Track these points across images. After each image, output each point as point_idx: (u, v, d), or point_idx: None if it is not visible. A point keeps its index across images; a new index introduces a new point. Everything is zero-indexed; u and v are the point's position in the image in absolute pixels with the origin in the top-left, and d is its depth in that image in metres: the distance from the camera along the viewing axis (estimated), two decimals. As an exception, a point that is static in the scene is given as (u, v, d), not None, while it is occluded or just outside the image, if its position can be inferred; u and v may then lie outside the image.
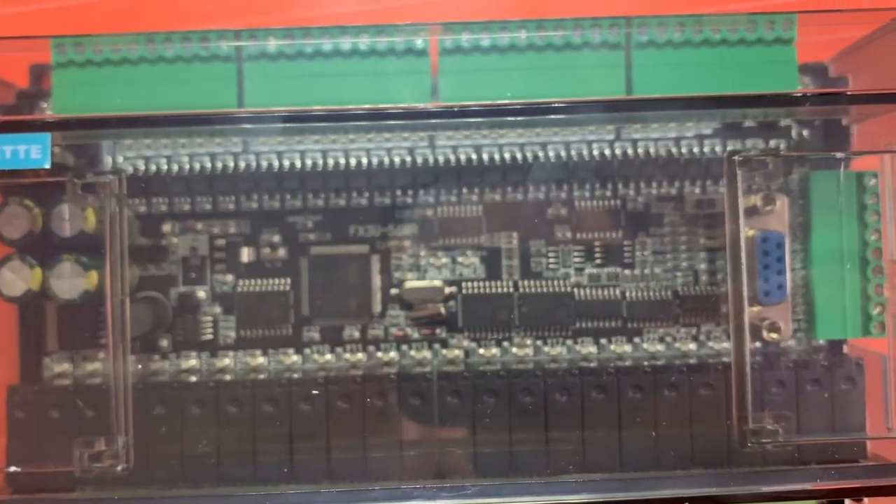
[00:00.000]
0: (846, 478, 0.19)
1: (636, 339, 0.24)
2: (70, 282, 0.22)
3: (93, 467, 0.20)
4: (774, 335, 0.23)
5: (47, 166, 0.20)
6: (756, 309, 0.23)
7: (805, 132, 0.24)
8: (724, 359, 0.23)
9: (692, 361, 0.23)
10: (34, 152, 0.19)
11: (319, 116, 0.21)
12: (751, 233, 0.22)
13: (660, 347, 0.24)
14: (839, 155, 0.22)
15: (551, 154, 0.24)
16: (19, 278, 0.22)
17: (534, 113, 0.22)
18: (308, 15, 0.26)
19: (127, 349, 0.20)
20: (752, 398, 0.20)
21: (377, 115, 0.21)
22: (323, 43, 0.22)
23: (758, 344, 0.23)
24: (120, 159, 0.24)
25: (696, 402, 0.22)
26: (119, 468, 0.20)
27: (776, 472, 0.19)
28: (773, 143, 0.24)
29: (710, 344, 0.24)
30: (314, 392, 0.21)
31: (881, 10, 0.21)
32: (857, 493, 0.21)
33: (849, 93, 0.22)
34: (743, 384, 0.20)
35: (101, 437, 0.20)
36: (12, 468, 0.21)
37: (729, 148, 0.24)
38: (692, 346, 0.24)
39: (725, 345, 0.24)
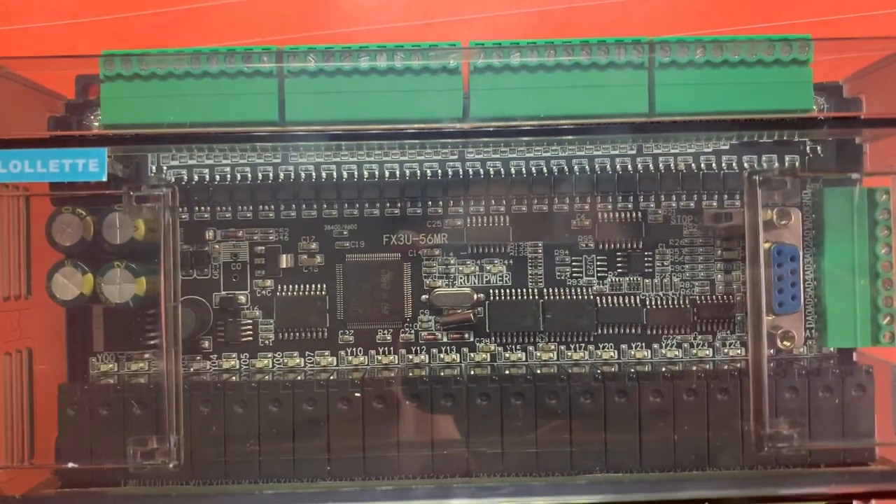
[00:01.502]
0: (858, 482, 0.20)
1: (655, 345, 0.25)
2: (120, 287, 0.23)
3: (145, 464, 0.21)
4: (788, 343, 0.24)
5: (104, 179, 0.21)
6: (770, 318, 0.24)
7: (819, 148, 0.25)
8: (739, 365, 0.24)
9: (708, 367, 0.24)
10: (92, 166, 0.20)
11: (358, 135, 0.22)
12: (766, 246, 0.23)
13: (677, 353, 0.25)
14: (854, 176, 0.23)
15: (576, 168, 0.25)
16: (71, 283, 0.23)
17: (561, 132, 0.23)
18: (341, 32, 0.27)
19: (179, 351, 0.21)
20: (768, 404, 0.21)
21: (416, 135, 0.22)
22: (360, 62, 0.23)
23: (771, 351, 0.24)
24: (164, 169, 0.25)
25: (713, 407, 0.23)
26: (171, 465, 0.21)
27: (793, 476, 0.20)
28: (787, 158, 0.25)
29: (725, 350, 0.25)
30: (356, 394, 0.23)
31: (891, 38, 0.22)
32: (866, 496, 0.22)
33: (862, 117, 0.23)
34: (760, 391, 0.21)
35: (154, 436, 0.21)
36: (70, 464, 0.22)
37: (745, 163, 0.25)
38: (708, 352, 0.25)
39: (739, 351, 0.25)
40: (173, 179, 0.25)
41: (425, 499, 0.20)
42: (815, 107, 0.25)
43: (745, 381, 0.23)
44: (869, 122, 0.23)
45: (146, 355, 0.24)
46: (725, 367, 0.24)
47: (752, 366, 0.21)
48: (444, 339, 0.25)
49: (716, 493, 0.20)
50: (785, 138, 0.25)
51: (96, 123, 0.25)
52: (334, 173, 0.25)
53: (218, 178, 0.25)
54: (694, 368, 0.23)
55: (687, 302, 0.25)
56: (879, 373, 0.24)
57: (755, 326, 0.21)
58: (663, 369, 0.24)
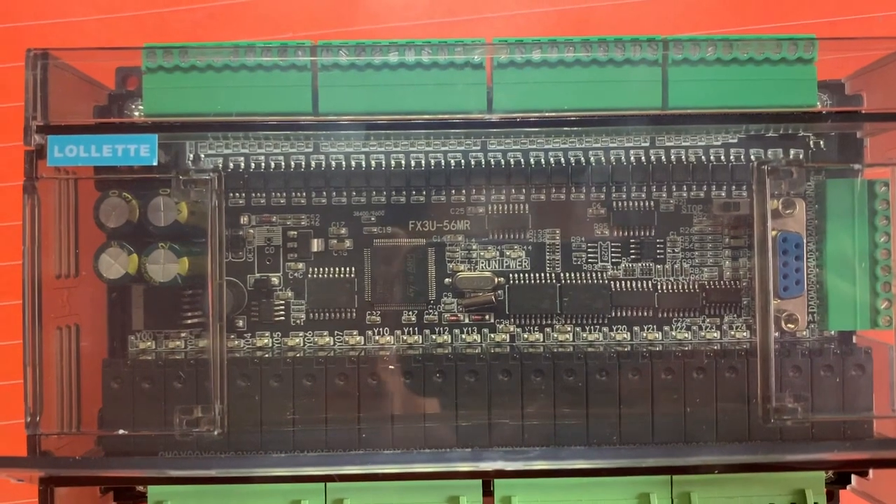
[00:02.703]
0: (859, 449, 0.21)
1: (665, 328, 0.26)
2: (164, 267, 0.24)
3: (191, 432, 0.22)
4: (792, 325, 0.25)
5: (154, 163, 0.22)
6: (776, 302, 0.25)
7: (822, 142, 0.26)
8: (745, 346, 0.25)
9: (716, 348, 0.25)
10: (143, 151, 0.22)
11: (389, 124, 0.24)
12: (772, 233, 0.25)
13: (687, 335, 0.26)
14: (856, 166, 0.25)
15: (592, 159, 0.26)
16: (117, 263, 0.24)
17: (578, 124, 0.24)
18: (370, 28, 0.29)
19: (224, 325, 0.23)
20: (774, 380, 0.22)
21: (440, 125, 0.23)
22: (390, 56, 0.24)
23: (776, 333, 0.26)
24: (201, 157, 0.26)
25: (721, 384, 0.24)
26: (215, 433, 0.22)
27: (798, 444, 0.22)
28: (792, 151, 0.26)
29: (732, 333, 0.26)
30: (391, 367, 0.24)
31: (890, 38, 0.24)
32: (866, 465, 0.23)
33: (863, 111, 0.24)
34: (767, 367, 0.22)
35: (199, 405, 0.22)
36: (120, 431, 0.23)
37: (752, 156, 0.26)
38: (716, 334, 0.26)
39: (745, 334, 0.26)
40: (211, 167, 0.26)
41: (460, 461, 0.21)
42: (818, 103, 0.26)
43: (752, 360, 0.24)
44: (869, 117, 0.24)
45: (182, 334, 0.26)
46: (733, 347, 0.25)
47: (760, 343, 0.23)
48: (466, 321, 0.26)
49: (724, 459, 0.21)
50: (790, 132, 0.26)
51: (136, 112, 0.26)
52: (363, 163, 0.26)
53: (253, 165, 0.26)
54: (703, 349, 0.25)
55: (696, 287, 0.26)
56: (877, 354, 0.25)
57: (763, 307, 0.23)
58: (674, 349, 0.25)
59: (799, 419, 0.22)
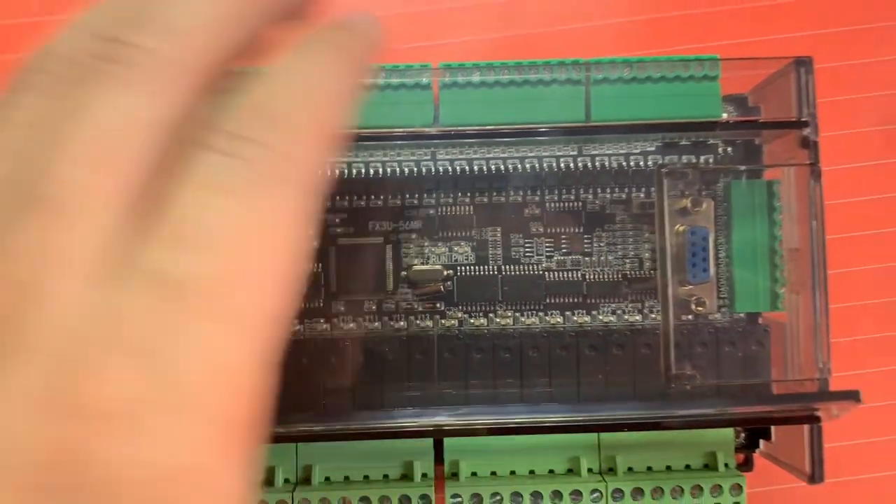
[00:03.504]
0: (744, 404, 0.25)
1: (594, 312, 0.30)
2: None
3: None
4: (700, 308, 0.29)
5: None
6: (687, 288, 0.29)
7: (729, 149, 0.30)
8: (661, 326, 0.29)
9: (638, 328, 0.29)
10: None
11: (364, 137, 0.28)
12: (682, 228, 0.29)
13: (612, 318, 0.30)
14: (742, 167, 0.28)
15: (527, 166, 0.30)
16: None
17: (514, 135, 0.28)
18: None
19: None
20: (675, 351, 0.26)
21: (392, 137, 0.27)
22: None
23: (690, 317, 0.29)
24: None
25: (637, 358, 0.28)
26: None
27: (695, 401, 0.26)
28: (703, 157, 0.30)
29: (652, 316, 0.30)
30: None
31: (780, 58, 0.27)
32: (765, 422, 0.27)
33: (749, 120, 0.28)
34: (668, 339, 0.26)
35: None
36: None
37: (661, 162, 0.30)
38: (638, 317, 0.30)
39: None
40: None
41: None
42: (724, 114, 0.30)
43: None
44: (762, 125, 0.28)
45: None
46: (650, 328, 0.29)
47: (663, 319, 0.26)
48: (420, 308, 0.30)
49: (633, 414, 0.25)
50: (701, 140, 0.30)
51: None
52: (328, 171, 0.30)
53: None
54: (623, 329, 0.29)
55: (619, 276, 0.30)
56: (776, 332, 0.29)
57: (663, 288, 0.27)
58: (599, 330, 0.29)
59: (697, 384, 0.26)
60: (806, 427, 0.27)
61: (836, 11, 0.34)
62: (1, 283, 0.14)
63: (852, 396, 0.25)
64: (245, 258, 0.15)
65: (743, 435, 0.30)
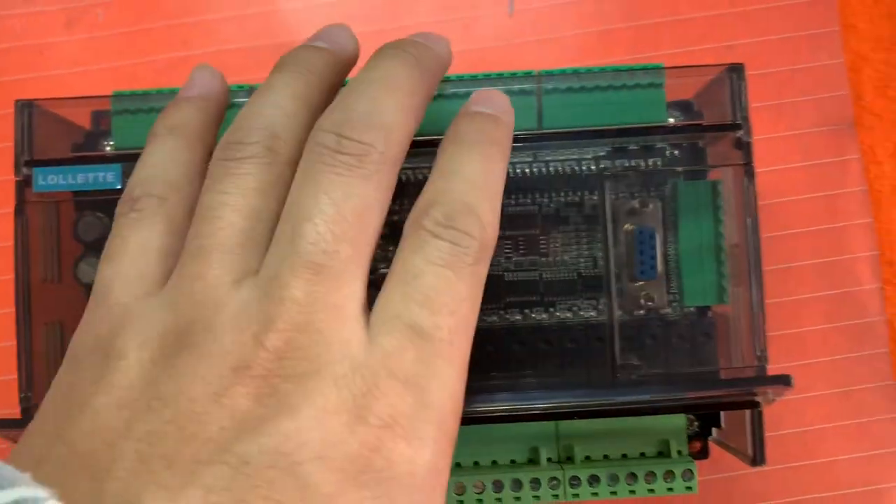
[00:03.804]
0: (681, 390, 0.27)
1: (551, 309, 0.31)
2: (131, 271, 0.29)
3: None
4: (650, 303, 0.30)
5: (119, 187, 0.28)
6: (637, 284, 0.31)
7: (676, 152, 0.32)
8: (621, 321, 0.31)
9: (592, 323, 0.31)
10: (110, 177, 0.27)
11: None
12: (630, 227, 0.30)
13: (569, 315, 0.31)
14: (679, 168, 0.30)
15: (485, 172, 0.32)
16: (93, 269, 0.29)
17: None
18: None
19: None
20: (622, 343, 0.28)
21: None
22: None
23: (642, 311, 0.31)
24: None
25: (590, 352, 0.30)
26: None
27: (644, 387, 0.27)
28: (651, 161, 0.32)
29: (606, 312, 0.31)
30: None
31: (715, 65, 0.29)
32: (712, 408, 0.28)
33: (697, 124, 0.30)
34: (613, 332, 0.28)
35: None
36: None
37: (610, 166, 0.32)
38: (593, 313, 0.31)
39: (618, 312, 0.31)
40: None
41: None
42: (671, 119, 0.32)
43: (622, 331, 0.30)
44: (697, 129, 0.30)
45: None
46: (603, 322, 0.31)
47: (608, 314, 0.28)
48: (386, 310, 0.32)
49: (582, 401, 0.27)
50: (648, 144, 0.32)
51: (108, 147, 0.32)
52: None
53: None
54: (576, 324, 0.30)
55: (575, 275, 0.31)
56: (722, 324, 0.30)
57: (607, 285, 0.28)
58: (554, 325, 0.30)
59: (642, 373, 0.28)
60: (748, 412, 0.28)
61: (779, 19, 0.35)
62: (305, 326, 0.20)
63: (783, 381, 0.26)
64: (464, 316, 0.22)
65: (696, 423, 0.32)
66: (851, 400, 0.34)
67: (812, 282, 0.34)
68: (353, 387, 0.20)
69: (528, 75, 0.31)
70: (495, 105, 0.26)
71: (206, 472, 0.19)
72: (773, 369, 0.35)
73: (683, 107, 0.32)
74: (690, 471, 0.30)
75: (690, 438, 0.32)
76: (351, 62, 0.27)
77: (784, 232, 0.35)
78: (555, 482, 0.30)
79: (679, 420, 0.31)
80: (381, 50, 0.25)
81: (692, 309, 0.31)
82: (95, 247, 0.30)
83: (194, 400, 0.20)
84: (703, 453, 0.33)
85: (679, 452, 0.31)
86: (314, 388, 0.20)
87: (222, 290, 0.21)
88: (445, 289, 0.22)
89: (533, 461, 0.31)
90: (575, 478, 0.30)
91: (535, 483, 0.30)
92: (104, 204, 0.30)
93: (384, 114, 0.23)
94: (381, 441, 0.20)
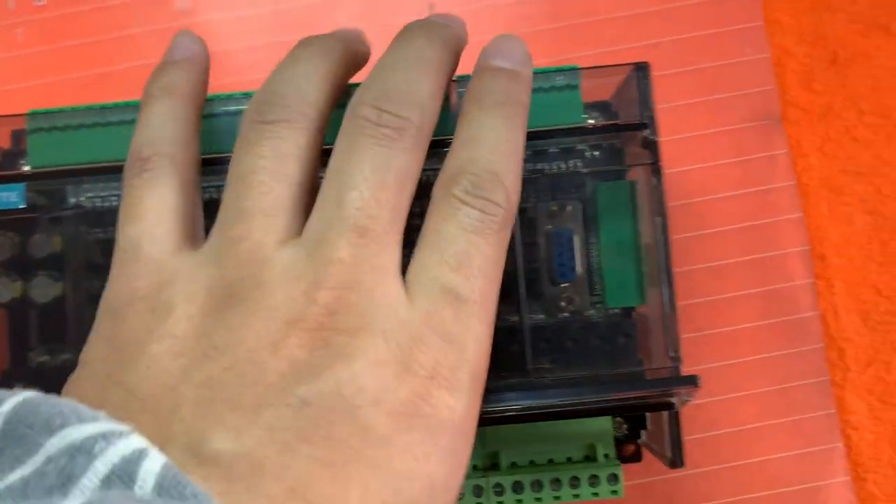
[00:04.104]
0: (590, 393, 0.26)
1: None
2: (44, 290, 0.29)
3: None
4: (571, 306, 0.30)
5: (23, 206, 0.28)
6: (559, 286, 0.30)
7: (596, 153, 0.32)
8: (536, 323, 0.30)
9: (517, 328, 0.30)
10: (13, 197, 0.27)
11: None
12: (549, 228, 0.30)
13: (528, 320, 0.31)
14: (584, 170, 0.30)
15: (404, 179, 0.31)
16: (6, 289, 0.29)
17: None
18: (231, 81, 0.34)
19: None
20: (531, 346, 0.27)
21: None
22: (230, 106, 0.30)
23: (566, 314, 0.31)
24: (82, 198, 0.31)
25: (505, 356, 0.29)
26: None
27: (559, 389, 0.27)
28: (572, 162, 0.32)
29: (531, 315, 0.31)
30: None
31: (624, 65, 0.29)
32: (629, 410, 0.28)
33: (602, 125, 0.30)
34: (523, 338, 0.28)
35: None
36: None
37: (533, 169, 0.32)
38: (516, 318, 0.31)
39: (542, 316, 0.31)
40: (91, 206, 0.31)
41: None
42: (591, 120, 0.31)
43: (542, 335, 0.29)
44: (602, 129, 0.30)
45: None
46: (528, 325, 0.30)
47: (518, 318, 0.28)
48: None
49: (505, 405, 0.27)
50: (569, 146, 0.32)
51: (26, 167, 0.31)
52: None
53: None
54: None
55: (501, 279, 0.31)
56: (643, 325, 0.30)
57: (518, 289, 0.28)
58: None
59: (555, 376, 0.27)
60: (665, 413, 0.28)
61: (703, 16, 0.35)
62: (353, 285, 0.22)
63: (691, 381, 0.26)
64: (492, 278, 0.24)
65: (625, 426, 0.31)
66: (787, 397, 0.34)
67: (744, 279, 0.34)
68: (400, 341, 0.22)
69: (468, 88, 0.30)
70: (514, 58, 0.27)
71: (269, 412, 0.20)
72: (706, 369, 0.35)
73: (602, 107, 0.32)
74: (615, 475, 0.30)
75: (623, 441, 0.32)
76: (363, 60, 0.29)
77: (715, 229, 0.34)
78: (479, 490, 0.30)
79: (605, 423, 0.31)
80: (409, 29, 0.27)
81: (617, 310, 0.31)
82: (8, 265, 0.29)
83: (252, 350, 0.21)
84: (636, 456, 0.33)
85: (606, 456, 0.30)
86: (365, 340, 0.21)
87: (268, 250, 0.23)
88: (476, 254, 0.23)
89: (458, 469, 0.30)
90: (498, 485, 0.30)
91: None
92: (9, 224, 0.29)
93: (419, 91, 0.25)
94: (428, 390, 0.22)
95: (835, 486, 0.33)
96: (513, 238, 0.31)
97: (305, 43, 0.27)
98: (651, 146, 0.28)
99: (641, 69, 0.28)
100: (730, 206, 0.34)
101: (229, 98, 0.30)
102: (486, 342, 0.24)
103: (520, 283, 0.28)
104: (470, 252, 0.23)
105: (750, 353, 0.34)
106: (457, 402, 0.22)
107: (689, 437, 0.33)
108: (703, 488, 0.33)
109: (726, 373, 0.34)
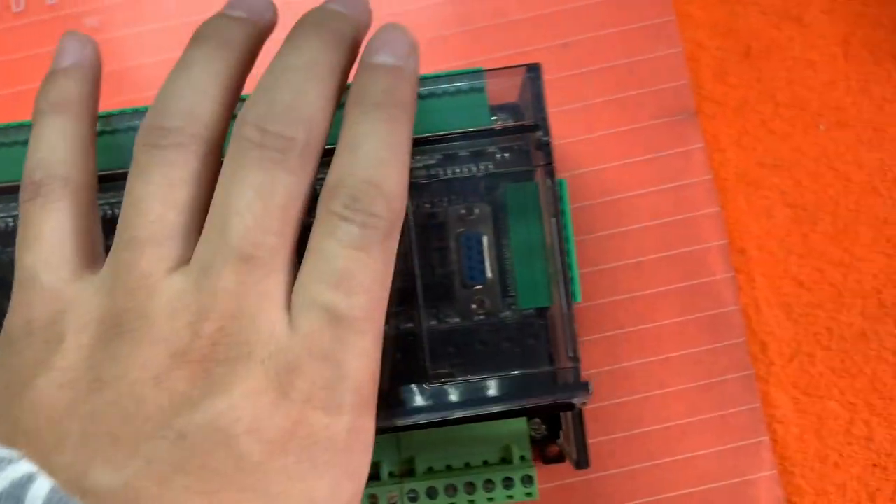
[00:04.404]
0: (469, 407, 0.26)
1: (390, 322, 0.31)
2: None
3: None
4: (482, 309, 0.30)
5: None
6: (470, 290, 0.30)
7: (507, 155, 0.32)
8: (446, 328, 0.30)
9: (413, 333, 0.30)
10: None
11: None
12: (460, 230, 0.30)
13: (410, 325, 0.31)
14: (479, 170, 0.30)
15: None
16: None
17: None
18: (137, 97, 0.34)
19: None
20: (430, 352, 0.27)
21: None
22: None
23: (481, 317, 0.30)
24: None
25: (407, 362, 0.29)
26: None
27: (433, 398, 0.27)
28: (482, 165, 0.32)
29: (447, 319, 0.31)
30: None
31: (519, 66, 0.29)
32: (512, 414, 0.28)
33: (496, 128, 0.30)
34: (422, 344, 0.27)
35: None
36: None
37: (449, 173, 0.31)
38: (434, 322, 0.31)
39: (457, 319, 0.31)
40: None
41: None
42: (501, 122, 0.31)
43: (446, 337, 0.29)
44: (496, 132, 0.29)
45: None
46: (443, 329, 0.30)
47: (416, 324, 0.28)
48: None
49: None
50: (479, 149, 0.31)
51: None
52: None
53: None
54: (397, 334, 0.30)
55: (412, 283, 0.31)
56: (552, 323, 0.30)
57: (417, 295, 0.28)
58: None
59: (456, 381, 0.27)
60: (569, 415, 0.28)
61: (613, 13, 0.35)
62: (237, 314, 0.22)
63: (582, 387, 0.26)
64: (377, 291, 0.24)
65: (544, 427, 0.31)
66: (712, 392, 0.33)
67: (665, 275, 0.34)
68: (278, 367, 0.22)
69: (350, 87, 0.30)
70: (398, 51, 0.26)
71: (147, 445, 0.21)
72: (630, 366, 0.35)
73: (511, 109, 0.32)
74: (529, 476, 0.30)
75: (545, 443, 0.32)
76: (270, 30, 0.28)
77: (634, 226, 0.34)
78: (394, 497, 0.30)
79: (520, 425, 0.31)
80: (301, 26, 0.26)
81: (532, 311, 0.31)
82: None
83: (134, 383, 0.21)
84: (561, 457, 0.33)
85: (522, 458, 0.30)
86: (244, 370, 0.22)
87: (156, 279, 0.23)
88: (358, 269, 0.23)
89: (374, 477, 0.30)
90: (412, 491, 0.29)
91: (374, 500, 0.30)
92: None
93: (306, 105, 0.24)
94: (303, 413, 0.22)
95: (762, 481, 0.33)
96: (411, 244, 0.31)
97: (200, 39, 0.26)
98: (544, 148, 0.28)
99: (533, 70, 0.28)
100: (648, 202, 0.34)
101: (135, 112, 0.30)
102: (371, 355, 0.24)
103: (417, 289, 0.28)
104: (350, 268, 0.23)
105: (674, 349, 0.34)
106: (334, 420, 0.22)
107: (612, 436, 0.33)
108: (628, 487, 0.33)
109: (650, 369, 0.33)
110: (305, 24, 0.26)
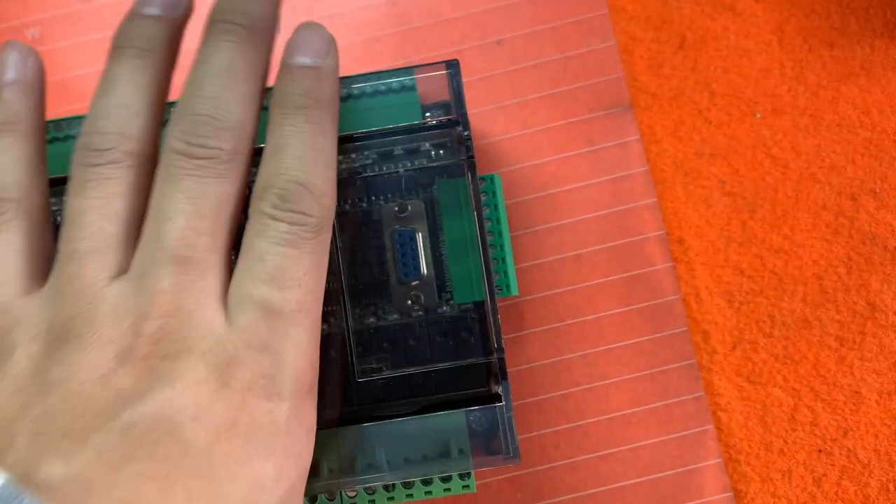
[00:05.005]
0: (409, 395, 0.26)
1: (331, 320, 0.31)
2: None
3: None
4: (416, 305, 0.30)
5: None
6: (407, 286, 0.30)
7: (441, 151, 0.32)
8: (382, 325, 0.31)
9: (372, 330, 0.31)
10: None
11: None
12: (395, 228, 0.30)
13: (351, 323, 0.31)
14: (401, 170, 0.30)
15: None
16: None
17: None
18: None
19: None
20: (358, 349, 0.27)
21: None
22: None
23: (421, 312, 0.31)
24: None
25: (335, 359, 0.29)
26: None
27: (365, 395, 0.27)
28: (417, 162, 0.32)
29: (387, 317, 0.31)
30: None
31: (438, 63, 0.29)
32: (439, 407, 0.28)
33: (423, 124, 0.30)
34: (349, 338, 0.28)
35: None
36: None
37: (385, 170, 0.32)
38: (373, 319, 0.31)
39: (396, 316, 0.31)
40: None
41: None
42: (434, 121, 0.32)
43: (377, 335, 0.29)
44: (421, 128, 0.30)
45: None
46: (381, 327, 0.30)
47: (344, 320, 0.28)
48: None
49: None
50: (413, 147, 0.32)
51: None
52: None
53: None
54: (338, 333, 0.30)
55: (353, 281, 0.31)
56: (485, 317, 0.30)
57: (343, 293, 0.28)
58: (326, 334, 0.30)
59: (384, 375, 0.27)
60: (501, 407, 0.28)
61: (546, 9, 0.35)
62: (175, 312, 0.23)
63: (503, 377, 0.26)
64: (310, 284, 0.25)
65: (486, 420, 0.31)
66: (655, 382, 0.33)
67: (605, 266, 0.34)
68: (218, 360, 0.23)
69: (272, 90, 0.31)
70: (316, 51, 0.27)
71: (97, 437, 0.22)
72: (573, 358, 0.35)
73: (444, 107, 0.32)
74: (468, 472, 0.30)
75: (488, 436, 0.32)
76: (187, 18, 0.28)
77: (572, 219, 0.34)
78: (332, 493, 0.30)
79: (458, 418, 0.31)
80: (212, 30, 0.26)
81: (469, 305, 0.31)
82: None
83: (83, 383, 0.23)
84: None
85: (460, 451, 0.30)
86: (186, 363, 0.23)
87: (98, 287, 0.24)
88: (289, 265, 0.24)
89: (314, 475, 0.30)
90: (351, 487, 0.30)
91: (313, 499, 0.30)
92: None
93: (229, 114, 0.25)
94: (244, 401, 0.23)
95: (708, 469, 0.33)
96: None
97: (118, 48, 0.26)
98: (464, 142, 0.28)
99: (451, 66, 0.28)
100: (586, 195, 0.34)
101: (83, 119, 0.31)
102: (308, 345, 0.25)
103: (344, 288, 0.29)
104: (282, 265, 0.24)
105: (615, 340, 0.34)
106: (276, 406, 0.24)
107: (556, 428, 0.33)
108: (574, 478, 0.33)
109: (593, 361, 0.34)
110: (215, 26, 0.26)
